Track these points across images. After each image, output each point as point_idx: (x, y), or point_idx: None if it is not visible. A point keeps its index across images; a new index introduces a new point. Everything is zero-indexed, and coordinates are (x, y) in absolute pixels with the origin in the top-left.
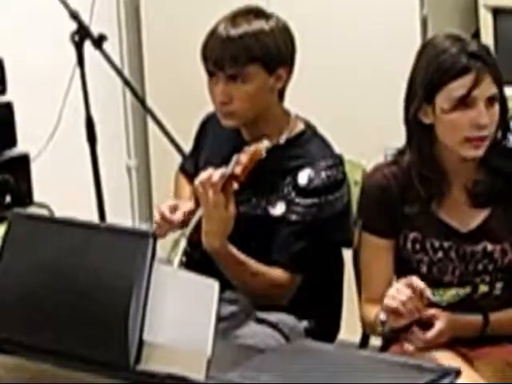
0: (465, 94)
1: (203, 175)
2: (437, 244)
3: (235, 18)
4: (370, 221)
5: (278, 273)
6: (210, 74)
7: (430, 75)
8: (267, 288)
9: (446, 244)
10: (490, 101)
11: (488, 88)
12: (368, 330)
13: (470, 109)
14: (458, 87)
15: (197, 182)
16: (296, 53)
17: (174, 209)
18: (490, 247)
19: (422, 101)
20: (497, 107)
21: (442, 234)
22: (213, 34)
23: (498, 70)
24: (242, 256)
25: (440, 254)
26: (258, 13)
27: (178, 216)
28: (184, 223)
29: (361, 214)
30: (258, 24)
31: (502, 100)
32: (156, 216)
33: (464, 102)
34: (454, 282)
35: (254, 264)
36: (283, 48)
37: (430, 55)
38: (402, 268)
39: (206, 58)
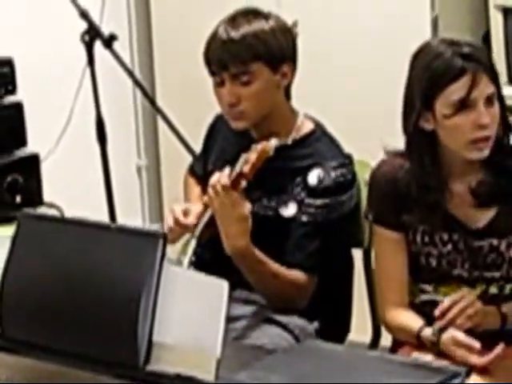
0: (464, 95)
1: (212, 180)
2: (446, 237)
3: (235, 19)
4: (381, 214)
5: (296, 274)
6: (215, 78)
7: (425, 82)
8: (288, 289)
9: (455, 236)
10: (489, 100)
11: (486, 88)
12: (398, 334)
13: (470, 110)
14: (455, 90)
15: (208, 188)
16: (298, 49)
17: (185, 213)
18: (495, 242)
19: (422, 108)
20: (497, 106)
21: (450, 228)
22: (214, 36)
23: (494, 68)
24: (263, 256)
25: (449, 247)
26: (256, 13)
27: (191, 220)
28: (195, 225)
29: (371, 208)
30: (258, 24)
31: (501, 98)
32: (169, 221)
33: (464, 105)
34: (464, 276)
35: (274, 265)
36: (285, 45)
37: (424, 61)
38: (412, 263)
39: (209, 60)
